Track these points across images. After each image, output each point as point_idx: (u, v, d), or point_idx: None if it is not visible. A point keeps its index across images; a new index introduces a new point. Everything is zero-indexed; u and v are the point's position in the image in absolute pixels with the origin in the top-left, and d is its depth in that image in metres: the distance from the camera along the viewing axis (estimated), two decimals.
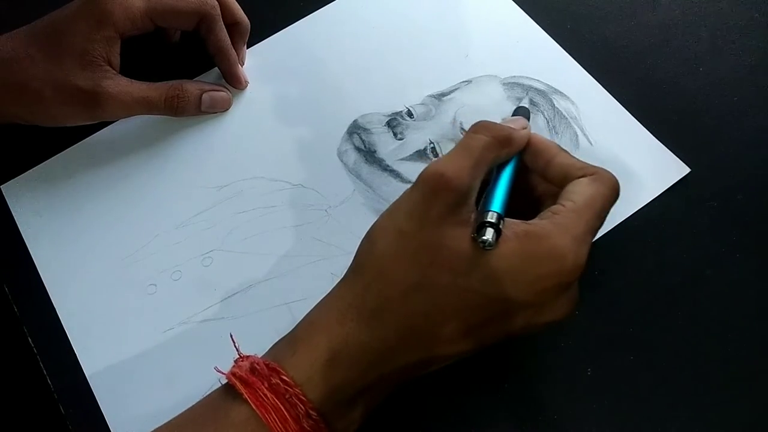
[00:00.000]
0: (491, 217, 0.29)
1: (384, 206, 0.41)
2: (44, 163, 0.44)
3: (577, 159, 0.33)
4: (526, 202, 0.35)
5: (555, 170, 0.33)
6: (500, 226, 0.29)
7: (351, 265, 0.32)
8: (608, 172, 0.33)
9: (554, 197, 0.33)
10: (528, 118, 0.38)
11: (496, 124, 0.33)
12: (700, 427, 0.35)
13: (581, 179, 0.32)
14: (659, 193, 0.40)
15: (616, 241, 0.39)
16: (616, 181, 0.32)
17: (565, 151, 0.34)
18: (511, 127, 0.33)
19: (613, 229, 0.39)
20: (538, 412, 0.35)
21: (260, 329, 0.38)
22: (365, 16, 0.48)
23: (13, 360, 0.40)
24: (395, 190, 0.41)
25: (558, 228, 0.30)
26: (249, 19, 0.46)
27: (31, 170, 0.44)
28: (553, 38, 0.46)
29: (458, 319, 0.29)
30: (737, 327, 0.37)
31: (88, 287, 0.40)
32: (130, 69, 0.42)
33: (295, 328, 0.31)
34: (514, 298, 0.29)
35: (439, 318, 0.29)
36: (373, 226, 0.32)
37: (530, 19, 0.47)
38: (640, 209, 0.40)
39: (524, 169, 0.35)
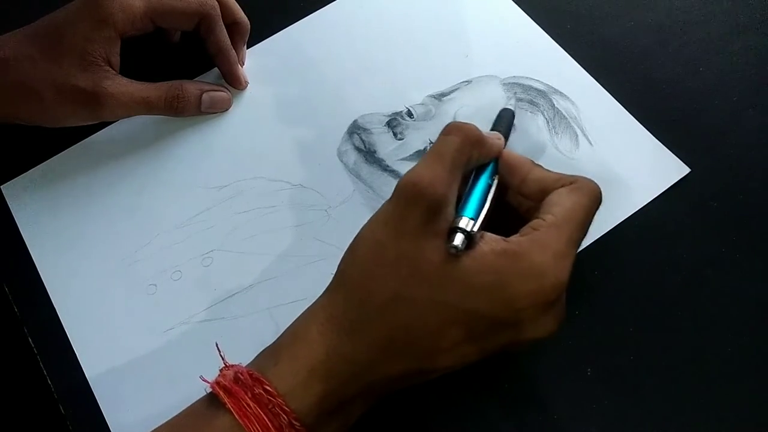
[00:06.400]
0: (462, 223, 0.29)
1: None
2: (44, 163, 0.44)
3: (553, 171, 0.33)
4: (513, 221, 0.34)
5: (531, 186, 0.33)
6: (472, 231, 0.29)
7: (335, 275, 0.32)
8: (587, 179, 0.32)
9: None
10: (512, 120, 0.38)
11: (467, 124, 0.32)
12: (700, 427, 0.35)
13: (560, 190, 0.31)
14: (659, 193, 0.40)
15: (617, 241, 0.39)
16: (597, 188, 0.32)
17: (539, 165, 0.33)
18: (482, 131, 0.33)
19: (613, 229, 0.39)
20: (538, 412, 0.35)
21: (260, 329, 0.38)
22: (365, 16, 0.48)
23: (14, 360, 0.40)
24: None
25: (537, 245, 0.29)
26: (249, 19, 0.46)
27: (31, 170, 0.44)
28: (552, 38, 0.46)
29: (439, 333, 0.29)
30: (737, 327, 0.37)
31: (88, 287, 0.40)
32: (130, 69, 0.42)
33: (279, 337, 0.31)
34: (492, 316, 0.29)
35: (419, 331, 0.29)
36: (355, 236, 0.31)
37: (530, 19, 0.47)
38: (640, 209, 0.40)
39: (505, 187, 0.34)
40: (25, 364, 0.38)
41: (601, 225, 0.39)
